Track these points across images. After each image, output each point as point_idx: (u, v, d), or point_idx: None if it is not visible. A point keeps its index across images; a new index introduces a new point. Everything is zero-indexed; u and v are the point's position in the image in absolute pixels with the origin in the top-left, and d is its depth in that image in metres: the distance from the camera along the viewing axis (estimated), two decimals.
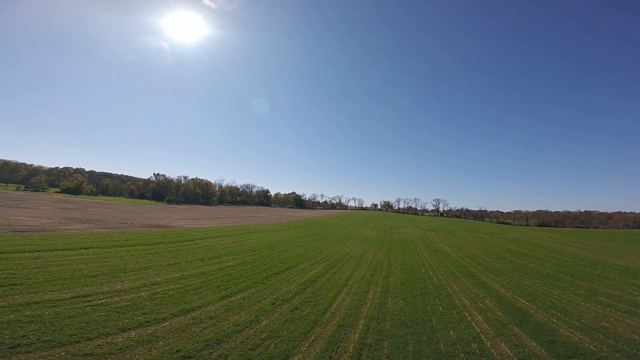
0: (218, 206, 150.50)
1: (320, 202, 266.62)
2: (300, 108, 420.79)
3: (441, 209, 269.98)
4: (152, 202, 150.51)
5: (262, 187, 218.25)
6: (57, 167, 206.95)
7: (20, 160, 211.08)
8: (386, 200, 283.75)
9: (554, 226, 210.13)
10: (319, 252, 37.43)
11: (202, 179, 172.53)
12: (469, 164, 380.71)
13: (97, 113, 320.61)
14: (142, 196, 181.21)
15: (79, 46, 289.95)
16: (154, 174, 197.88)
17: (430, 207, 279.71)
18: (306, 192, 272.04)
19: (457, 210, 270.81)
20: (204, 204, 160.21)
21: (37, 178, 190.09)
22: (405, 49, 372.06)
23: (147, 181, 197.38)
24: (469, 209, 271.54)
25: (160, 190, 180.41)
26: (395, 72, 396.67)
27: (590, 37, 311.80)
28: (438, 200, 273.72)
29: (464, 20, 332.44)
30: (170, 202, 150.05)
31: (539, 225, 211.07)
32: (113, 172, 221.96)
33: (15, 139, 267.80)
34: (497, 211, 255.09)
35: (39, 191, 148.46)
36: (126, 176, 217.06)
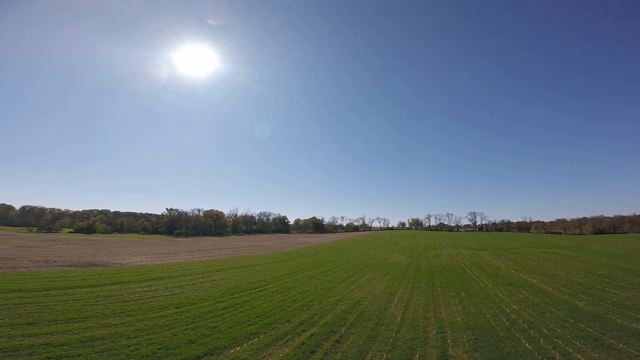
0: (230, 236, 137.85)
1: (343, 225, 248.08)
2: (314, 130, 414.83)
3: (479, 223, 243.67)
4: (163, 236, 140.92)
5: (279, 215, 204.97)
6: (81, 210, 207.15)
7: (47, 206, 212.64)
8: (415, 217, 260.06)
9: (614, 232, 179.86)
10: (309, 303, 21.53)
11: (213, 210, 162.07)
12: (503, 172, 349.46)
13: (113, 152, 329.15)
14: (155, 231, 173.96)
15: (90, 84, 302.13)
16: (166, 209, 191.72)
17: (465, 222, 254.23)
18: (327, 216, 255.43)
19: (498, 222, 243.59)
20: (215, 235, 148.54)
21: (62, 221, 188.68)
22: (425, 57, 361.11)
23: (160, 217, 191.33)
24: (510, 220, 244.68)
25: (173, 225, 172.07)
26: (422, 80, 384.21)
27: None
28: (474, 213, 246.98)
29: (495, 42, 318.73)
30: (179, 235, 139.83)
31: (595, 233, 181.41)
32: (137, 211, 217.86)
33: (33, 186, 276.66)
34: (539, 221, 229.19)
35: (52, 232, 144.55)
36: (142, 214, 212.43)
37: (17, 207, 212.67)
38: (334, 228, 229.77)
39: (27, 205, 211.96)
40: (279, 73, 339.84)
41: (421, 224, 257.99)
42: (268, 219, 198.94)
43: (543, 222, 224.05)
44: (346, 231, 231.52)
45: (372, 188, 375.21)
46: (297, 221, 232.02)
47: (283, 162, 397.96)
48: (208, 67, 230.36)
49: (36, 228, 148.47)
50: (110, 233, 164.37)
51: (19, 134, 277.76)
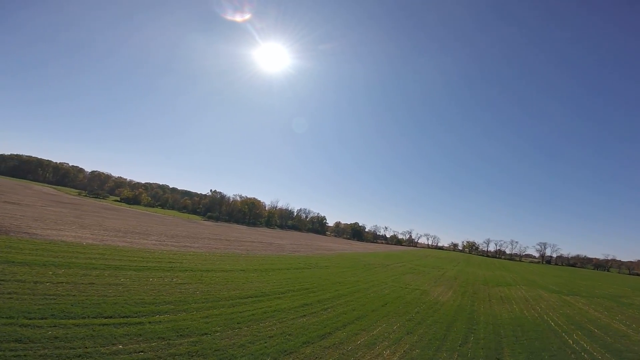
0: (260, 228, 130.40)
1: (387, 236, 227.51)
2: (371, 135, 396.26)
3: (548, 254, 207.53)
4: (195, 216, 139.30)
5: (318, 214, 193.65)
6: (143, 182, 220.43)
7: (113, 174, 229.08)
8: (470, 240, 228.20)
9: None
10: None
11: (250, 198, 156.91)
12: (582, 202, 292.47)
13: (184, 132, 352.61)
14: (193, 211, 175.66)
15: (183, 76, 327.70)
16: (210, 190, 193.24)
17: (532, 252, 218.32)
18: (370, 224, 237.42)
19: (571, 257, 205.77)
20: (248, 224, 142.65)
21: (120, 189, 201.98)
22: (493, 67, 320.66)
23: (202, 197, 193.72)
24: (588, 256, 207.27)
25: (212, 207, 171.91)
26: (500, 97, 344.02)
27: None
28: (544, 244, 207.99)
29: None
30: (211, 218, 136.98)
31: None
32: (192, 190, 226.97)
33: (108, 155, 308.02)
34: (614, 259, 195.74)
35: (99, 198, 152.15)
36: (186, 191, 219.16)
37: (88, 170, 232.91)
38: (374, 237, 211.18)
39: (96, 171, 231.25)
40: (344, 73, 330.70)
41: (476, 248, 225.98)
42: (306, 216, 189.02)
43: (620, 260, 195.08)
44: (388, 243, 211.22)
45: (424, 203, 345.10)
46: (337, 224, 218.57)
47: (335, 163, 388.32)
48: (281, 64, 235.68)
49: (85, 192, 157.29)
50: (153, 207, 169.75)
51: (112, 111, 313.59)
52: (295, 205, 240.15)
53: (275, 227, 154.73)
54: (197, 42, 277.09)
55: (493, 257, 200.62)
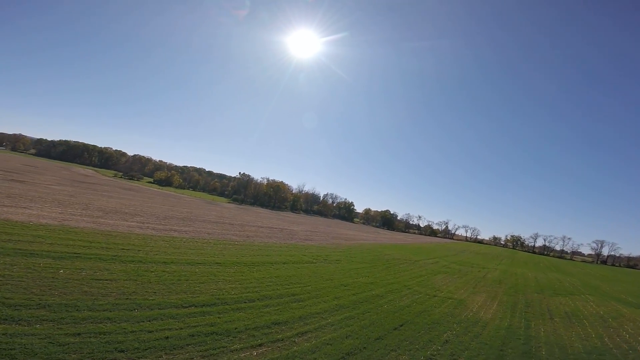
0: (283, 212, 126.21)
1: (420, 225, 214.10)
2: (406, 123, 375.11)
3: (605, 254, 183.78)
4: (221, 199, 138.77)
5: (345, 200, 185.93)
6: (181, 165, 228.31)
7: (154, 157, 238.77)
8: (515, 234, 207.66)
9: None
10: None
11: (276, 181, 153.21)
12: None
13: (217, 116, 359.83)
14: (221, 193, 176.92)
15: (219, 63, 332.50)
16: (239, 173, 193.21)
17: (585, 250, 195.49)
18: (409, 212, 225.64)
19: (633, 257, 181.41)
20: (273, 208, 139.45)
21: (159, 172, 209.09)
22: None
23: (231, 179, 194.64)
24: None
25: (240, 189, 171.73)
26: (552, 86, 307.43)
27: None
28: (600, 242, 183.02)
29: None
30: (236, 200, 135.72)
31: None
32: (227, 173, 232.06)
33: (152, 140, 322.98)
34: None
35: (133, 179, 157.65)
36: (217, 174, 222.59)
37: (131, 154, 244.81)
38: (406, 226, 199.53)
39: (137, 154, 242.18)
40: (378, 63, 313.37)
41: (522, 243, 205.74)
42: (333, 202, 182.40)
43: None
44: (421, 233, 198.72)
45: (463, 192, 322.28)
46: (367, 211, 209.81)
47: (366, 149, 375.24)
48: (312, 50, 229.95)
49: (121, 174, 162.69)
50: (184, 188, 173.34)
51: (157, 99, 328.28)
52: (321, 190, 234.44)
53: (300, 211, 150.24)
54: (231, 30, 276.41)
55: (540, 254, 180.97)
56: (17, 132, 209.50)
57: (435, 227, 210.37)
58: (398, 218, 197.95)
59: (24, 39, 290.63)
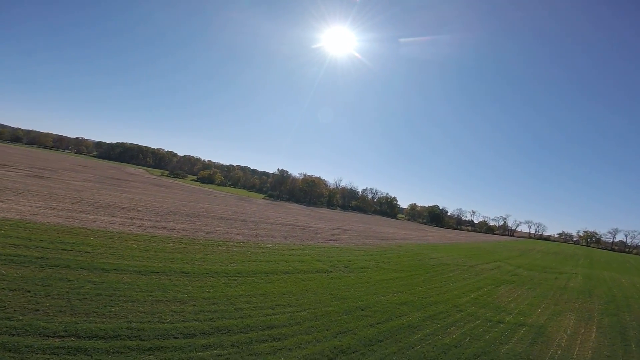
0: (317, 208, 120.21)
1: (474, 221, 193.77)
2: (447, 111, 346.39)
3: None
4: (255, 194, 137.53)
5: (387, 194, 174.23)
6: (227, 164, 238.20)
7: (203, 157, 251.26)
8: (589, 230, 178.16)
9: None
10: None
11: (311, 176, 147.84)
12: None
13: (261, 117, 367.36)
14: (260, 190, 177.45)
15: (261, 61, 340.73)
16: (277, 169, 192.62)
17: None
18: (460, 207, 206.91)
19: None
20: (308, 204, 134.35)
21: (204, 171, 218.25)
22: None
23: (269, 176, 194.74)
24: None
25: (277, 185, 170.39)
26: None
27: None
28: None
29: None
30: (271, 196, 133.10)
31: None
32: (269, 171, 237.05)
33: (202, 142, 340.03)
34: None
35: (178, 177, 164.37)
36: (257, 170, 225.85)
37: (181, 154, 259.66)
38: (457, 223, 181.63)
39: (187, 155, 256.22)
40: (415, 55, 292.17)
41: (599, 240, 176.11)
42: (373, 197, 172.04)
43: None
44: (475, 230, 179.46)
45: (526, 184, 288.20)
46: (412, 206, 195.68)
47: (405, 143, 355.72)
48: (347, 47, 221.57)
49: (167, 172, 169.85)
50: (225, 185, 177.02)
51: (204, 101, 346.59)
52: (359, 185, 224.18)
53: (337, 207, 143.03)
54: (270, 29, 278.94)
55: (621, 252, 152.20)
56: (79, 135, 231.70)
57: (492, 223, 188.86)
58: (448, 214, 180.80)
59: (86, 50, 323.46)
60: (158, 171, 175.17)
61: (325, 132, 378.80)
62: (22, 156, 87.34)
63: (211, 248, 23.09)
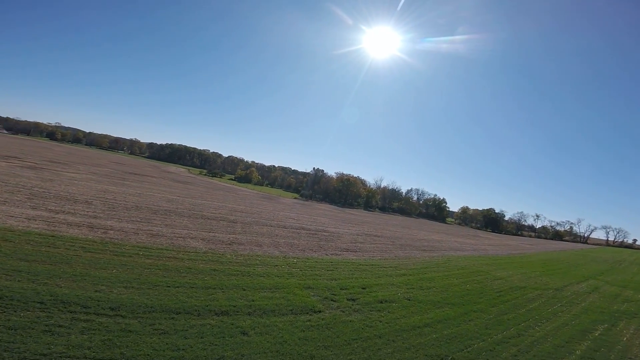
0: (351, 209, 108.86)
1: (536, 227, 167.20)
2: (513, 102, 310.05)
3: None
4: (287, 193, 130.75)
5: (435, 196, 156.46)
6: (267, 165, 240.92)
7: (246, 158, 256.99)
8: None
9: None
10: None
11: (346, 175, 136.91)
12: None
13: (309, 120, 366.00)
14: (295, 189, 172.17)
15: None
16: (313, 168, 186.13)
17: None
18: (521, 210, 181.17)
19: None
20: (344, 204, 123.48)
21: (245, 171, 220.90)
22: None
23: (306, 175, 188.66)
24: None
25: (312, 185, 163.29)
26: None
27: None
28: None
29: None
30: (303, 196, 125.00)
31: None
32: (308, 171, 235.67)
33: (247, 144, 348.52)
34: None
35: (216, 176, 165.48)
36: (292, 170, 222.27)
37: (225, 155, 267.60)
38: (516, 228, 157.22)
39: (231, 155, 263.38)
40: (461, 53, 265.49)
41: None
42: (418, 198, 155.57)
43: None
44: (539, 236, 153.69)
45: (600, 184, 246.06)
46: (464, 210, 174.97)
47: (454, 143, 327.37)
48: (389, 46, 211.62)
49: (198, 170, 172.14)
50: (262, 185, 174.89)
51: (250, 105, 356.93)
52: (403, 185, 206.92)
53: (375, 209, 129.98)
54: (311, 31, 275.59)
55: None
56: (134, 137, 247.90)
57: (558, 228, 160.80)
58: (505, 218, 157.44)
59: (146, 58, 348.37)
60: (197, 170, 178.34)
61: (366, 133, 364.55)
62: (63, 152, 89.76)
63: (125, 259, 14.38)
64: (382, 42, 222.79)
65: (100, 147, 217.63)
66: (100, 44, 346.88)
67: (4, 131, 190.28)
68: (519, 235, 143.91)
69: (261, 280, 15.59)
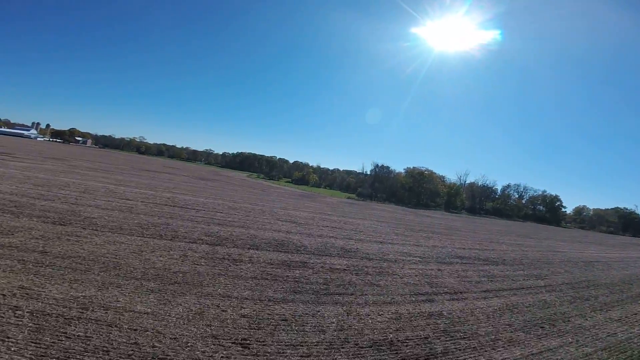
0: (426, 211, 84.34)
1: None
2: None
3: None
4: (340, 193, 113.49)
5: (543, 192, 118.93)
6: (323, 167, 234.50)
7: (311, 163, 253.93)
8: None
9: None
10: None
11: (417, 169, 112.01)
12: None
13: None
14: (354, 189, 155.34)
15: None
16: (373, 164, 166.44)
17: None
18: None
19: None
20: (417, 205, 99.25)
21: (301, 173, 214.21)
22: None
23: (366, 174, 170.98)
24: None
25: (374, 183, 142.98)
26: None
27: None
28: None
29: None
30: (361, 195, 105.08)
31: None
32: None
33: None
34: None
35: (273, 180, 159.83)
36: (350, 171, 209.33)
37: (291, 161, 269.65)
38: None
39: (297, 161, 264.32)
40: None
41: None
42: (520, 196, 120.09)
43: None
44: None
45: None
46: (578, 210, 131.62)
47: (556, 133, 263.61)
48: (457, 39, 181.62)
49: (255, 174, 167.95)
50: (319, 187, 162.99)
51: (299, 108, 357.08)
52: (498, 181, 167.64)
53: (462, 211, 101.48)
54: (369, 29, 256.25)
55: None
56: (208, 148, 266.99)
57: None
58: None
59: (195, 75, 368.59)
60: (254, 174, 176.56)
61: (438, 127, 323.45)
62: (179, 166, 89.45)
63: None
64: (447, 35, 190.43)
65: (180, 159, 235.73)
66: (177, 60, 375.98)
67: (99, 146, 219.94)
68: None
69: None
